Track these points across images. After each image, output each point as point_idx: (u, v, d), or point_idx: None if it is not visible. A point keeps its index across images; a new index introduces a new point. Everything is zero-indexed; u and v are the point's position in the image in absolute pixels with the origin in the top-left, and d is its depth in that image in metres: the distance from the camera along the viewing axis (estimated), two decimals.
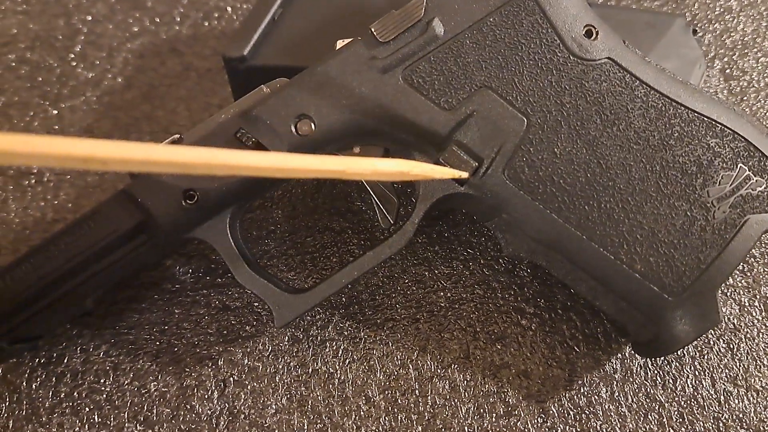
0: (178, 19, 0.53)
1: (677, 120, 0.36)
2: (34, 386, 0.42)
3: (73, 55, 0.52)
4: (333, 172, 0.30)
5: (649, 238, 0.35)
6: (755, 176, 0.35)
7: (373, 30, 0.36)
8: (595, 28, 0.36)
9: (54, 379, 0.42)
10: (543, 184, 0.36)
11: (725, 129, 0.36)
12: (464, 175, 0.36)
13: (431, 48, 0.36)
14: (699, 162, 0.35)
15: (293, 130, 0.36)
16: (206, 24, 0.53)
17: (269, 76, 0.38)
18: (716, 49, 0.51)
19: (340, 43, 0.38)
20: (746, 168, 0.35)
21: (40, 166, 0.41)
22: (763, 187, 0.35)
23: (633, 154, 0.35)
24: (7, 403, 0.41)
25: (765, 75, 0.50)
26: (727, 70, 0.50)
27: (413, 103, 0.36)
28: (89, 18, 0.53)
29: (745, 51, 0.51)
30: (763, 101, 0.49)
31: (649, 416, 0.40)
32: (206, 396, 0.41)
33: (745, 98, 0.49)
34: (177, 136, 0.37)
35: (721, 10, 0.52)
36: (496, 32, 0.36)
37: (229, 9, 0.53)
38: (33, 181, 0.47)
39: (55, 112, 0.50)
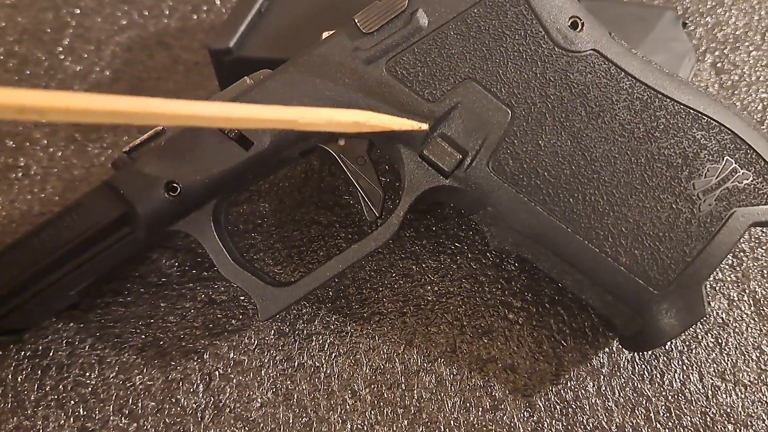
0: (167, 12, 0.53)
1: (663, 112, 0.35)
2: (19, 379, 0.41)
3: (61, 49, 0.51)
4: (286, 121, 0.30)
5: (634, 231, 0.35)
6: (742, 169, 0.35)
7: (356, 21, 0.36)
8: (580, 20, 0.36)
9: (39, 371, 0.42)
10: (527, 176, 0.35)
11: (711, 121, 0.35)
12: (424, 126, 0.35)
13: (415, 39, 0.35)
14: (685, 154, 0.35)
15: None
16: (195, 17, 0.53)
17: (255, 68, 0.38)
18: (707, 43, 0.51)
19: (325, 35, 0.37)
20: (733, 160, 0.35)
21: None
22: (749, 179, 0.35)
23: (618, 146, 0.35)
24: None
25: (756, 69, 0.49)
26: (719, 64, 0.50)
27: (397, 94, 0.35)
28: (77, 11, 0.53)
29: (737, 44, 0.50)
30: (754, 95, 0.49)
31: (636, 411, 0.40)
32: (191, 389, 0.41)
33: (736, 92, 0.49)
34: (160, 127, 0.36)
35: (713, 3, 0.52)
36: (481, 23, 0.35)
37: (217, 2, 0.53)
38: (20, 174, 0.47)
39: None
